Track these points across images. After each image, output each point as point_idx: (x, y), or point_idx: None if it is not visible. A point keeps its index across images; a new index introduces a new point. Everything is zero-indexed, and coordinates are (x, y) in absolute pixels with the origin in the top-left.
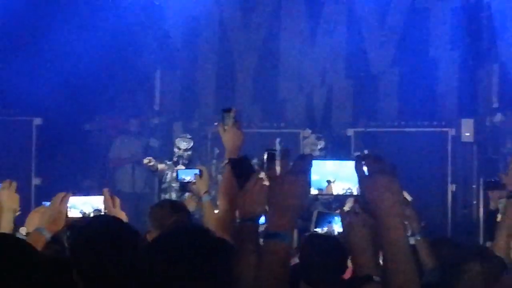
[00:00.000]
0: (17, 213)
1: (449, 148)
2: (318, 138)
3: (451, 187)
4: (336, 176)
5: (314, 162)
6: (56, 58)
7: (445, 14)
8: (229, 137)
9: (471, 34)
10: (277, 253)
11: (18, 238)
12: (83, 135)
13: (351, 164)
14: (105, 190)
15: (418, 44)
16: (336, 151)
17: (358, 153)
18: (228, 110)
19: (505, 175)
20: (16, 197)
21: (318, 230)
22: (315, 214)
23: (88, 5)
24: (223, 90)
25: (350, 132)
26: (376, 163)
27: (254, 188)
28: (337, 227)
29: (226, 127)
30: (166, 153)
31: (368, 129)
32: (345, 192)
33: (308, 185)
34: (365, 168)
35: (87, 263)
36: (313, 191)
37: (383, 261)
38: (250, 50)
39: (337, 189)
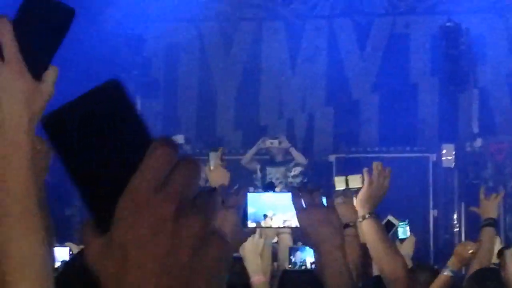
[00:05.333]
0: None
1: (430, 173)
2: (295, 165)
3: (433, 213)
4: (274, 208)
5: (252, 195)
6: None
7: (424, 40)
8: (215, 176)
9: (450, 59)
10: None
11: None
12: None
13: (288, 196)
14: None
15: (398, 70)
16: (317, 177)
17: (294, 186)
18: (214, 149)
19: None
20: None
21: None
22: (286, 251)
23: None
24: (204, 117)
25: (332, 158)
26: (312, 195)
27: None
28: (309, 259)
29: (212, 167)
30: None
31: (350, 155)
32: (283, 224)
33: (239, 220)
34: (302, 201)
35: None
36: (251, 225)
37: None
38: (231, 77)
39: (277, 221)
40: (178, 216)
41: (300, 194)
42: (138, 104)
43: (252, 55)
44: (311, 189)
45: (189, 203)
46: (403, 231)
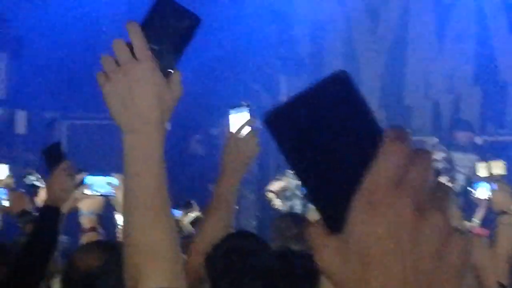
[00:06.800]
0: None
1: None
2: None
3: None
4: None
5: None
6: None
7: None
8: None
9: None
10: None
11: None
12: None
13: None
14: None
15: None
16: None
17: None
18: None
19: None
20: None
21: None
22: None
23: (210, 15)
24: None
25: (479, 140)
26: None
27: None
28: None
29: None
30: None
31: (497, 138)
32: None
33: None
34: None
35: None
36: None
37: None
38: (376, 56)
39: None
40: (419, 213)
41: None
42: (283, 82)
43: (398, 33)
44: None
45: (428, 198)
46: None
